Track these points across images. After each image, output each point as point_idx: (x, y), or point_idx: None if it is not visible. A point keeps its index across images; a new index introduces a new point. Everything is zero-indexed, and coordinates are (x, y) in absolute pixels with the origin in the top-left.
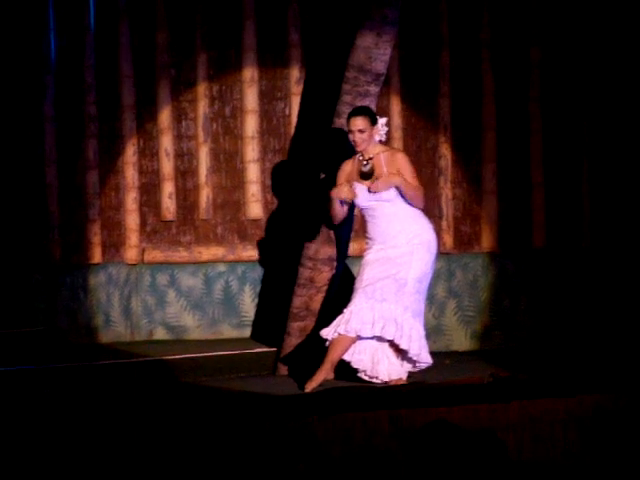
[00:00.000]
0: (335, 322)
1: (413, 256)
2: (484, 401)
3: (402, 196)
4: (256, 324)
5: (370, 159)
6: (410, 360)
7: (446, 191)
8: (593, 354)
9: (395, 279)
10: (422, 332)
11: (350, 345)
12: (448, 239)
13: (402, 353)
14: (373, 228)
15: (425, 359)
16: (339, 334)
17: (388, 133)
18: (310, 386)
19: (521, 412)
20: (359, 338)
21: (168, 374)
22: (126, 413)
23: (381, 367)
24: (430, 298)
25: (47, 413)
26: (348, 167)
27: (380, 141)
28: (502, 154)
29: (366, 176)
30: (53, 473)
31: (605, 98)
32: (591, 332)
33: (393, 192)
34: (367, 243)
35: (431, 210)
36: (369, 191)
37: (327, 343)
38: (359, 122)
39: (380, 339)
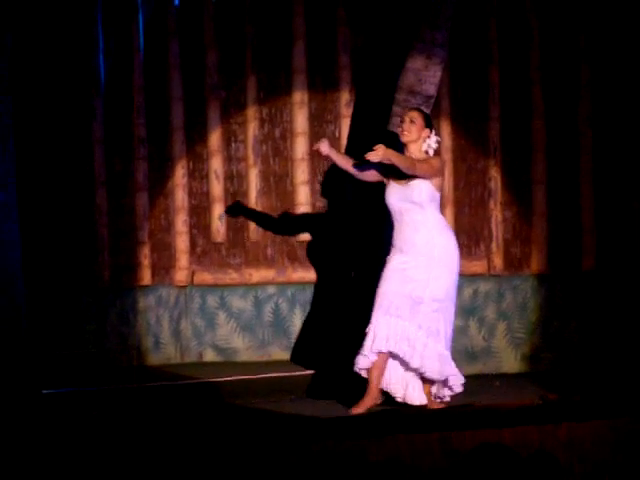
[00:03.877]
0: (363, 348)
1: (430, 274)
2: (533, 423)
3: (434, 203)
4: (304, 346)
5: None
6: (441, 388)
7: (496, 213)
8: None
9: (410, 296)
10: (439, 352)
11: (385, 365)
12: (498, 261)
13: (433, 384)
14: (398, 234)
15: (450, 382)
16: (369, 359)
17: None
18: (357, 411)
19: (570, 434)
20: (392, 356)
21: (218, 396)
22: (176, 435)
23: (409, 392)
24: (480, 320)
25: (97, 435)
26: None
27: (427, 152)
28: (552, 176)
29: (402, 175)
30: None
31: None
32: None
33: (425, 196)
34: (391, 250)
35: (481, 232)
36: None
37: (357, 368)
38: (414, 114)
39: (407, 366)
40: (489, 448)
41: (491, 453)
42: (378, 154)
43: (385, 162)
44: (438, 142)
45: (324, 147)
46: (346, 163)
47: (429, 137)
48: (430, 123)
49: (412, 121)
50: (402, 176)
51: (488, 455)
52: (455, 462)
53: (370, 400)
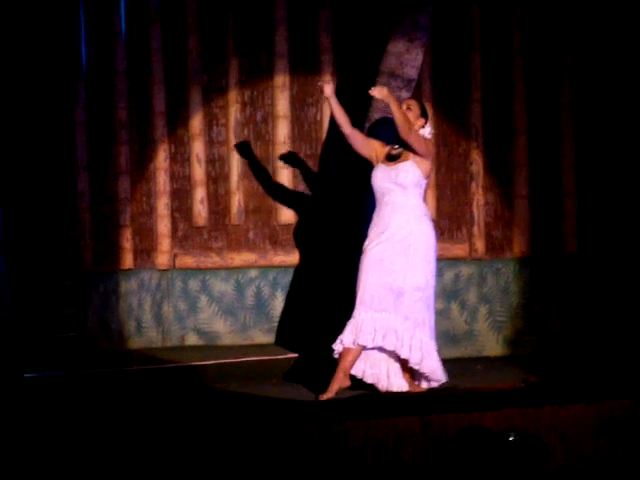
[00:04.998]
0: (341, 334)
1: (408, 263)
2: (516, 407)
3: (419, 189)
4: (286, 330)
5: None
6: (422, 376)
7: (478, 196)
8: (625, 359)
9: (391, 289)
10: (425, 341)
11: (359, 353)
12: (480, 244)
13: (412, 370)
14: (377, 215)
15: (433, 374)
16: (344, 347)
17: None
18: (325, 397)
19: (553, 418)
20: (365, 349)
21: (199, 380)
22: (158, 419)
23: (392, 381)
24: (462, 304)
25: (79, 419)
26: (381, 146)
27: None
28: (534, 159)
29: (392, 158)
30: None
31: (638, 104)
32: (623, 338)
33: (411, 180)
34: (368, 234)
35: (462, 216)
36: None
37: (335, 354)
38: (412, 102)
39: (389, 352)
40: (472, 431)
41: (474, 436)
42: (382, 91)
43: (385, 100)
44: (431, 134)
45: (328, 89)
46: (342, 115)
47: (423, 127)
48: (426, 114)
49: (409, 108)
50: (391, 159)
51: (471, 438)
52: (437, 446)
53: (337, 384)
